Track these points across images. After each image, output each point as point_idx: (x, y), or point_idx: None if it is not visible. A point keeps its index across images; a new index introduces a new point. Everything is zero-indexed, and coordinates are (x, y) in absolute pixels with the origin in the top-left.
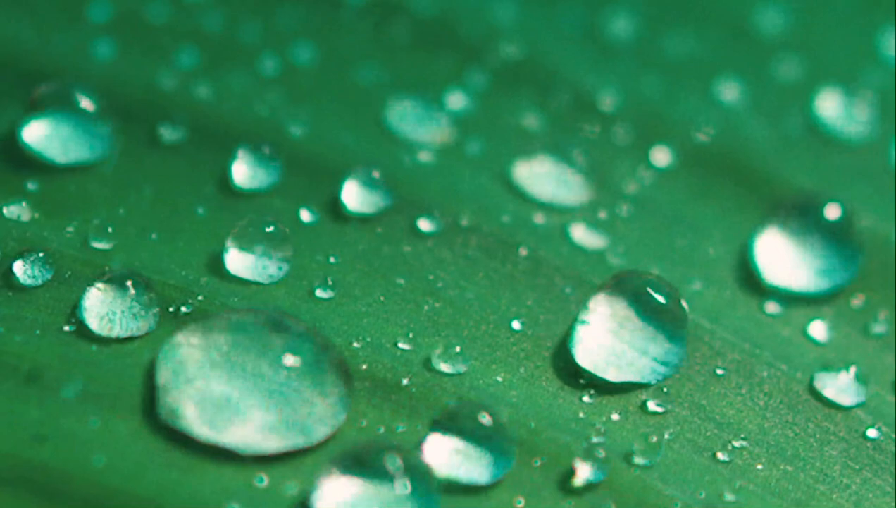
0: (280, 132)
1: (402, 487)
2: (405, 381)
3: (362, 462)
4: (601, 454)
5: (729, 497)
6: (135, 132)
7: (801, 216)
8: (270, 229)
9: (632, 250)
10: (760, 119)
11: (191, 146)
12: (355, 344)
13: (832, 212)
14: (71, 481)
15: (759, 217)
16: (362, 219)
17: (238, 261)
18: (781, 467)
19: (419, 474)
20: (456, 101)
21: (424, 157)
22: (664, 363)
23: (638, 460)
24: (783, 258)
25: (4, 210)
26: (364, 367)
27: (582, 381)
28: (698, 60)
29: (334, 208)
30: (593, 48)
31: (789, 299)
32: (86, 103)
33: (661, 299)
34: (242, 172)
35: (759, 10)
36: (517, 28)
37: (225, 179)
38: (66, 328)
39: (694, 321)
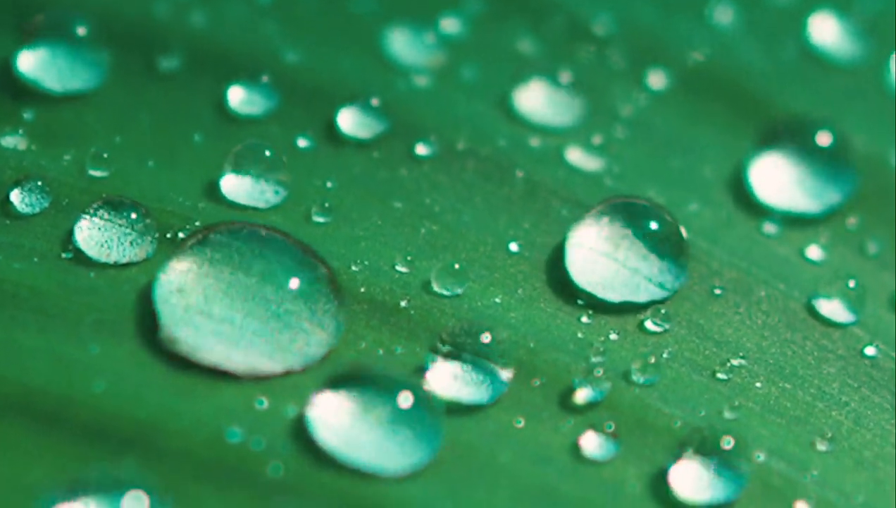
0: (276, 60)
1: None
2: (403, 303)
3: (361, 380)
4: (600, 373)
5: (728, 414)
6: (131, 61)
7: (795, 138)
8: (267, 154)
9: (628, 172)
10: (755, 42)
11: (187, 74)
12: (353, 267)
13: (825, 134)
14: (71, 406)
15: (754, 139)
16: (359, 144)
17: (235, 186)
18: (780, 385)
19: (422, 398)
20: (451, 26)
21: (420, 82)
22: (661, 284)
23: (637, 379)
24: (778, 180)
25: (1, 140)
26: (362, 290)
27: (580, 302)
28: None
29: (330, 134)
30: None
31: (786, 219)
32: (81, 32)
33: (656, 220)
34: (239, 98)
35: None
36: None
37: (222, 107)
38: (65, 256)
39: (691, 241)
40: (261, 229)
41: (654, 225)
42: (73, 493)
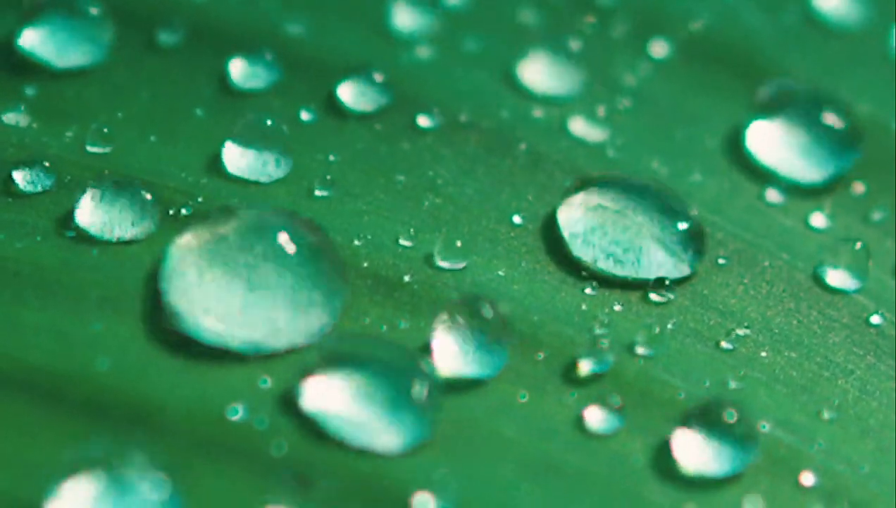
0: (278, 33)
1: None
2: (407, 278)
3: (362, 356)
4: (604, 345)
5: (733, 385)
6: (132, 36)
7: (798, 106)
8: (270, 127)
9: (631, 142)
10: (758, 9)
11: (188, 49)
12: (356, 242)
13: (829, 102)
14: (73, 383)
15: (756, 108)
16: (361, 117)
17: (237, 161)
18: (786, 354)
19: (422, 375)
20: None
21: (422, 54)
22: (674, 254)
23: (641, 350)
24: (781, 148)
25: (3, 116)
26: (365, 265)
27: (584, 274)
28: None
29: (333, 107)
30: None
31: (789, 188)
32: (83, 7)
33: (660, 192)
34: (240, 72)
35: None
36: None
37: (223, 81)
38: (67, 233)
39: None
40: (264, 207)
41: (657, 197)
42: (75, 470)
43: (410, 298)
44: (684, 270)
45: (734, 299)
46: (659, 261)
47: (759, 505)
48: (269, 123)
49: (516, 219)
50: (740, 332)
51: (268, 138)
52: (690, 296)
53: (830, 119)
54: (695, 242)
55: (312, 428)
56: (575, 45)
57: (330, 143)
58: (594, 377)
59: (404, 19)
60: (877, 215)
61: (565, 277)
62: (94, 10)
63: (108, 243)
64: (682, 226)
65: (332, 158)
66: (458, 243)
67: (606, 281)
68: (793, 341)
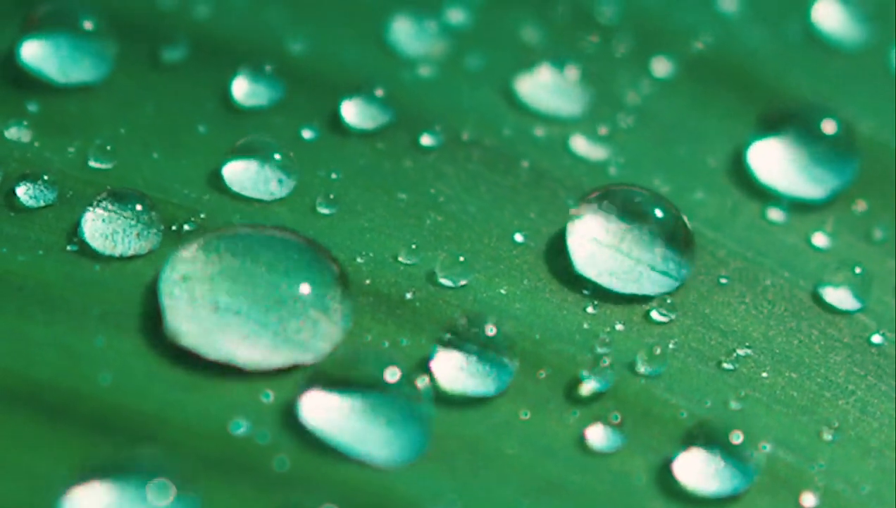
0: (281, 50)
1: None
2: (409, 295)
3: (357, 373)
4: (606, 364)
5: (734, 405)
6: (135, 52)
7: (800, 123)
8: (272, 145)
9: (633, 160)
10: (759, 27)
11: (191, 65)
12: (358, 259)
13: (830, 120)
14: (77, 398)
15: (758, 126)
16: (363, 135)
17: (240, 178)
18: (786, 374)
19: (412, 392)
20: (456, 16)
21: (425, 72)
22: (668, 274)
23: (643, 369)
24: (782, 166)
25: (5, 132)
26: (367, 282)
27: (586, 292)
28: None
29: (335, 125)
30: None
31: (791, 206)
32: (86, 23)
33: (661, 210)
34: (243, 89)
35: None
36: None
37: (226, 98)
38: (70, 248)
39: (696, 230)
40: (266, 227)
41: (657, 214)
42: (79, 485)
43: (412, 315)
44: (684, 274)
45: (735, 318)
46: (658, 279)
47: None
48: (271, 142)
49: (518, 237)
50: (741, 352)
51: (270, 156)
52: (692, 315)
53: (831, 137)
54: (687, 250)
55: (314, 443)
56: (577, 63)
57: (332, 160)
58: (596, 396)
59: (407, 37)
60: (878, 234)
61: (567, 295)
62: (96, 26)
63: (111, 258)
64: (675, 237)
65: (334, 175)
66: (460, 261)
67: (608, 299)
68: (794, 361)
